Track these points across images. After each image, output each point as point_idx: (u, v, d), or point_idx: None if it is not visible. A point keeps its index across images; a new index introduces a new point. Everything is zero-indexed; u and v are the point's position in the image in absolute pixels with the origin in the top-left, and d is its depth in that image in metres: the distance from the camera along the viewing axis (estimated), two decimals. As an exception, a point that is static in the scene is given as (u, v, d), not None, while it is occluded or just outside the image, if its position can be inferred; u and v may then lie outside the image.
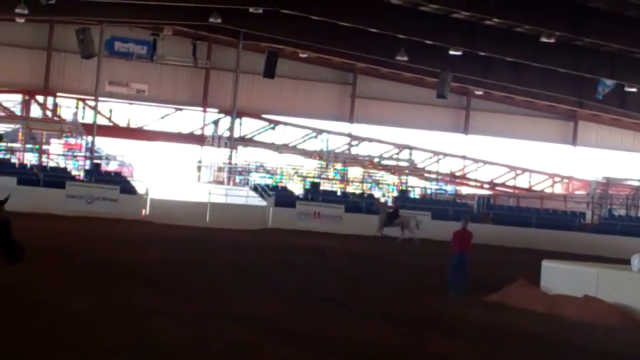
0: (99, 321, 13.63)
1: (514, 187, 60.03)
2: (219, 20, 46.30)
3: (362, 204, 45.43)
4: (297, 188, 49.32)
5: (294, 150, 56.29)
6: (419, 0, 41.94)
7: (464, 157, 59.55)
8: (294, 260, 27.74)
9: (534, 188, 60.20)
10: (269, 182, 49.63)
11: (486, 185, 59.51)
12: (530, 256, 29.70)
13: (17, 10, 43.53)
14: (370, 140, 57.99)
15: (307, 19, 45.61)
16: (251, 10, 45.50)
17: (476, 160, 59.80)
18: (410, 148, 58.20)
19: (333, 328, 15.29)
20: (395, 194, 51.08)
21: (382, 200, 47.42)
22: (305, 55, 53.88)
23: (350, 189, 51.92)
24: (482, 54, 47.11)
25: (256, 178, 51.22)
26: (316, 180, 51.11)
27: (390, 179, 55.62)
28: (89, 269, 20.64)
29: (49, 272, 19.19)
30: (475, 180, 59.82)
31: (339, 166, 55.04)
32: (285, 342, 13.52)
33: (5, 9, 44.44)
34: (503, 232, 44.37)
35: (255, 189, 47.08)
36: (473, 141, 59.70)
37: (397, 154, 58.36)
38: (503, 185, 60.06)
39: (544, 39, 41.17)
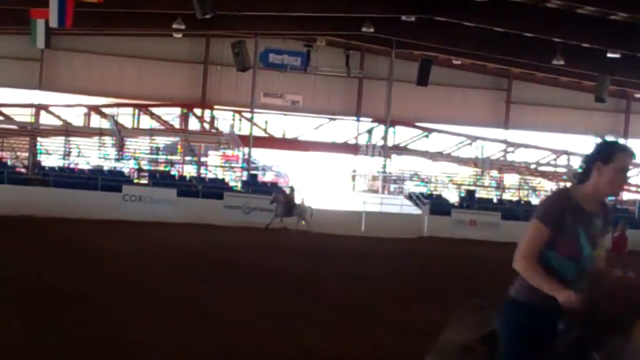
0: (261, 332, 13.71)
1: (679, 192, 57.90)
2: (372, 30, 46.28)
3: (519, 211, 44.68)
4: (452, 196, 48.92)
5: (448, 157, 55.85)
6: (574, 3, 40.92)
7: (624, 162, 57.71)
8: (452, 268, 27.47)
9: (701, 192, 57.90)
10: (423, 190, 49.38)
11: (649, 191, 57.61)
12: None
13: (175, 26, 44.73)
14: (526, 146, 56.98)
15: (461, 25, 45.07)
16: (403, 18, 45.32)
17: (637, 165, 57.89)
18: (568, 154, 56.86)
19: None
20: None
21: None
22: (458, 62, 53.36)
23: (506, 196, 51.15)
24: (642, 55, 45.59)
25: (410, 186, 51.06)
26: (471, 187, 50.58)
27: (548, 185, 54.51)
28: (248, 279, 20.89)
29: (210, 281, 19.54)
30: (637, 185, 57.96)
31: (494, 173, 54.31)
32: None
33: (164, 25, 45.71)
34: (668, 239, 42.78)
35: (409, 197, 46.91)
36: (634, 145, 57.61)
37: (555, 159, 57.13)
38: (667, 190, 58.02)
39: None
